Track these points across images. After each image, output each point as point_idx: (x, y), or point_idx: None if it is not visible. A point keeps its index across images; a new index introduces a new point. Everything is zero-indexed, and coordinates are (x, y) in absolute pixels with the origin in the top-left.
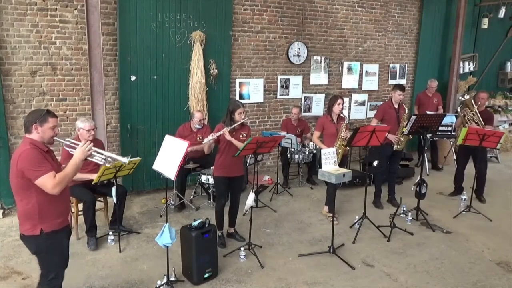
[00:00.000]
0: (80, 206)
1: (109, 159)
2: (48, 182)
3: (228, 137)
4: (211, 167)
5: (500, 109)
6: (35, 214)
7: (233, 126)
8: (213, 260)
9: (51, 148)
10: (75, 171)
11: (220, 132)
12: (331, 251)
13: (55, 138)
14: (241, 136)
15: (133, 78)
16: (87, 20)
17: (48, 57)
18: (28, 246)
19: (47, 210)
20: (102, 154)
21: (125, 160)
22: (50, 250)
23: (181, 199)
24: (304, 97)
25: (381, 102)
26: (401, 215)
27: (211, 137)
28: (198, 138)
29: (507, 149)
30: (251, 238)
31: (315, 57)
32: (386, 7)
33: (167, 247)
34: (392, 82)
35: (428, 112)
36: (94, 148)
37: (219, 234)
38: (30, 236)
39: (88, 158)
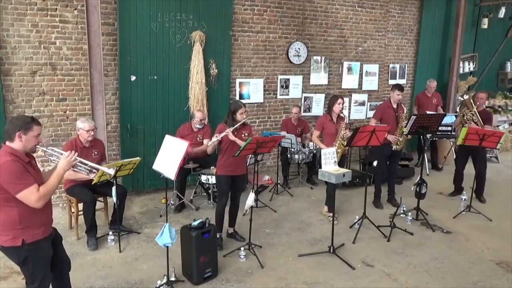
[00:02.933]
0: (80, 206)
1: (94, 170)
2: (31, 196)
3: (231, 137)
4: (211, 167)
5: (500, 109)
6: (16, 225)
7: (235, 126)
8: (213, 260)
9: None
10: (58, 182)
11: (224, 133)
12: (331, 251)
13: (37, 146)
14: (243, 135)
15: (133, 78)
16: (87, 20)
17: (48, 57)
18: (10, 257)
19: (29, 220)
20: (86, 164)
21: (110, 171)
22: (34, 260)
23: (181, 199)
24: (304, 97)
25: (381, 102)
26: (401, 215)
27: (215, 138)
28: (198, 138)
29: (507, 149)
30: (251, 238)
31: (315, 57)
32: (386, 7)
33: (167, 247)
34: (392, 82)
35: (428, 112)
36: (78, 159)
37: (217, 236)
38: (11, 248)
39: (72, 168)
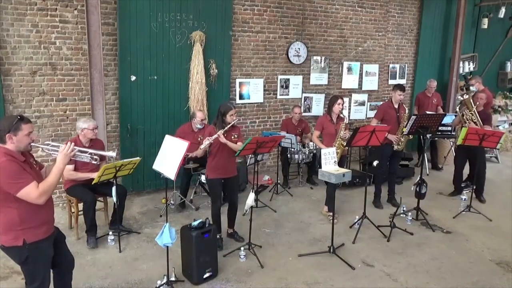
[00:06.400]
0: (80, 206)
1: (95, 156)
2: (32, 193)
3: (223, 140)
4: None
5: (500, 109)
6: (17, 225)
7: (225, 128)
8: (213, 260)
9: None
10: (59, 177)
11: (215, 136)
12: (331, 251)
13: (32, 144)
14: (232, 137)
15: (133, 78)
16: (87, 20)
17: (48, 57)
18: (11, 257)
19: (29, 220)
20: (86, 152)
21: (111, 154)
22: (35, 260)
23: (182, 198)
24: (304, 97)
25: (381, 102)
26: (401, 215)
27: (207, 142)
28: (199, 139)
29: (507, 149)
30: (251, 238)
31: (315, 57)
32: (386, 7)
33: (167, 247)
34: (392, 82)
35: (428, 112)
36: (77, 148)
37: (217, 237)
38: (12, 247)
39: (73, 158)
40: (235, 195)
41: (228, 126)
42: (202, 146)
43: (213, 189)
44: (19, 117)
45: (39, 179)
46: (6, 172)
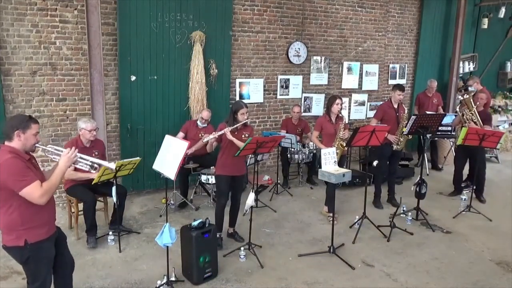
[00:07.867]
0: (80, 206)
1: (95, 165)
2: (35, 192)
3: (229, 136)
4: (211, 167)
5: (500, 109)
6: (18, 225)
7: (235, 126)
8: (213, 260)
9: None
10: (61, 178)
11: (222, 132)
12: (331, 251)
13: (37, 145)
14: (243, 136)
15: (133, 78)
16: (87, 20)
17: (48, 57)
18: (13, 256)
19: (31, 220)
20: (87, 160)
21: (111, 165)
22: (36, 260)
23: (183, 198)
24: (304, 97)
25: (381, 102)
26: (401, 215)
27: (212, 136)
28: (200, 135)
29: (507, 149)
30: (251, 238)
31: (315, 57)
32: (386, 7)
33: (167, 247)
34: (392, 82)
35: (428, 112)
36: (79, 155)
37: (217, 236)
38: (14, 247)
39: (73, 164)
40: (239, 195)
41: (239, 124)
42: (205, 139)
43: (219, 186)
44: (29, 116)
45: (42, 178)
46: (11, 169)
